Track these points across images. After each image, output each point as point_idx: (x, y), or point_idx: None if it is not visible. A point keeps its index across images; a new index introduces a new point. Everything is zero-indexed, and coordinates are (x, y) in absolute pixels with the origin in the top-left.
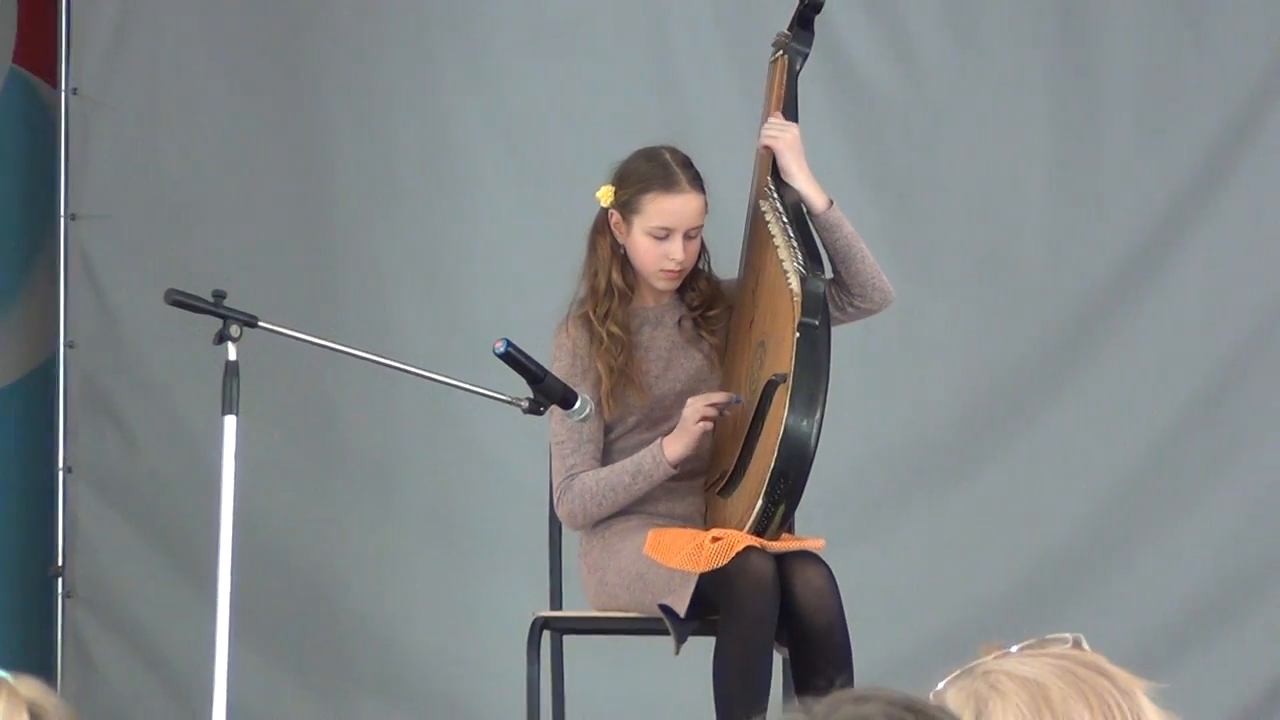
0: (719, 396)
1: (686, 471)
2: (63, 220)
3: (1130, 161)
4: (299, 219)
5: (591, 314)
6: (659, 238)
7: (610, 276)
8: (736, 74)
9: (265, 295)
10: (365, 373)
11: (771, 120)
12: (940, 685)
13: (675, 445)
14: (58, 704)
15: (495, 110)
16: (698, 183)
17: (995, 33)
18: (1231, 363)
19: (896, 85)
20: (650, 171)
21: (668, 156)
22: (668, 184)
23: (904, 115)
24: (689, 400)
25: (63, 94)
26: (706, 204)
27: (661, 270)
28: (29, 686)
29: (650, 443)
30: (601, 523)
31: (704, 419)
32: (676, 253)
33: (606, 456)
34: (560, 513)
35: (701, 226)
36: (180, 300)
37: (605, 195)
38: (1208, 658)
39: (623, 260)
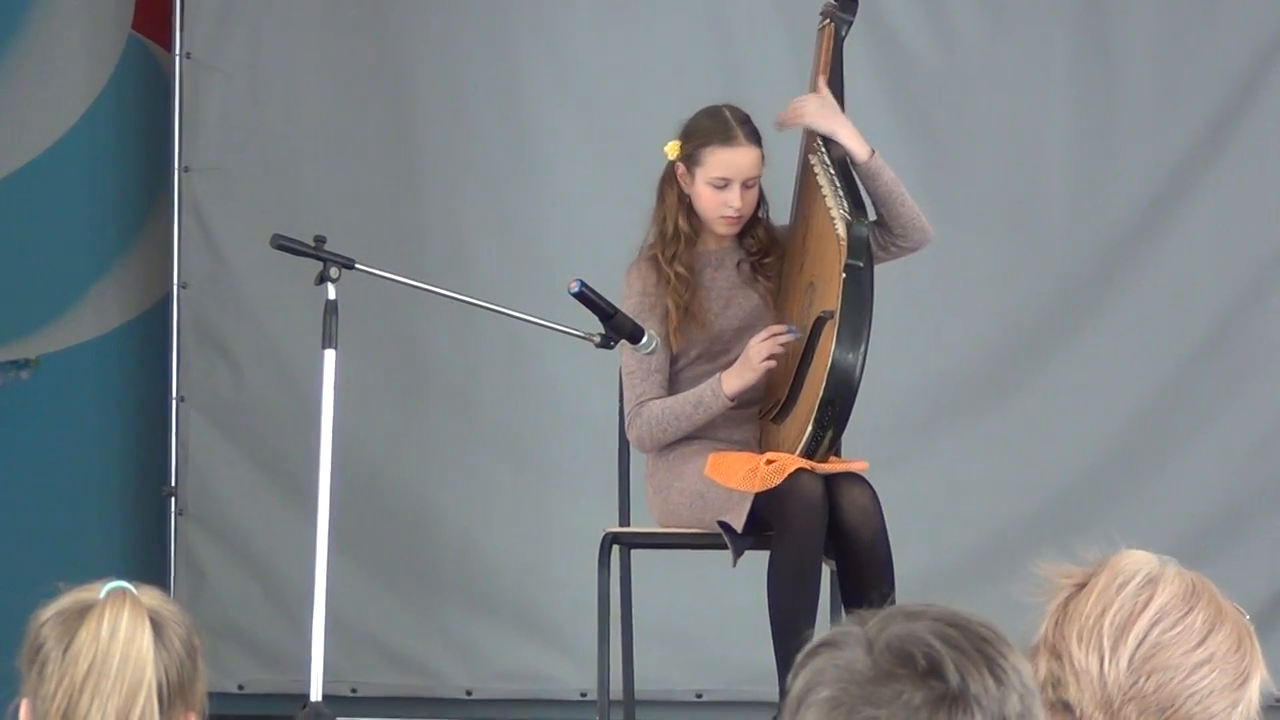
0: (780, 331)
1: (744, 401)
2: (176, 173)
3: (1145, 118)
4: (390, 171)
5: (660, 256)
6: (719, 187)
7: (677, 222)
8: (787, 40)
9: (360, 240)
10: (451, 311)
11: (791, 102)
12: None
13: (733, 380)
14: (175, 611)
15: (567, 72)
16: (755, 137)
17: (1021, 3)
18: (1238, 300)
19: (932, 50)
20: (711, 127)
21: (728, 114)
22: (726, 138)
23: (939, 77)
24: (752, 342)
25: (176, 58)
26: (763, 157)
27: (721, 217)
28: (150, 595)
29: (710, 374)
30: (667, 447)
31: (770, 357)
32: (735, 200)
33: (671, 386)
34: (630, 436)
35: (758, 177)
36: (285, 245)
37: (672, 149)
38: (1217, 571)
39: (688, 208)
